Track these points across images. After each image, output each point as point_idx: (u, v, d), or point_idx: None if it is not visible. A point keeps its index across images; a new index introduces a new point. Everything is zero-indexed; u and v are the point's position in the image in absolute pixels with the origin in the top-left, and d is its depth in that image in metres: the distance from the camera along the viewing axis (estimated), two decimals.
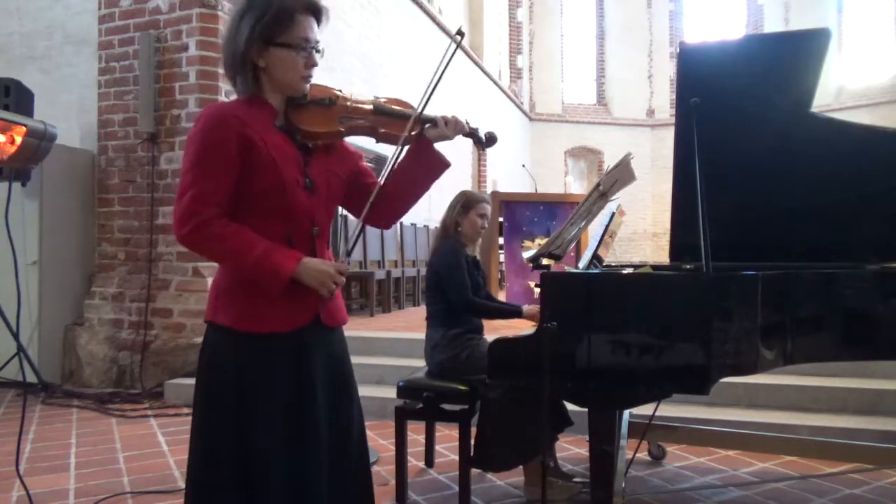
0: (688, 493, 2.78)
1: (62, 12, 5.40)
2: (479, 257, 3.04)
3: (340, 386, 1.61)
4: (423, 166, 1.65)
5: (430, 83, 1.58)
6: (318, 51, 1.51)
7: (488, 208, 2.95)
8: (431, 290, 2.86)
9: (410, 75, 8.74)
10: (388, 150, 1.63)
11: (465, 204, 2.88)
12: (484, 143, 1.74)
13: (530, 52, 15.57)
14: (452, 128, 1.63)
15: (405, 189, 1.66)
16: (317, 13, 1.51)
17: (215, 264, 1.56)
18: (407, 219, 8.16)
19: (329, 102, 1.56)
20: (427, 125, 1.63)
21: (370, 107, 1.60)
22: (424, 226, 8.70)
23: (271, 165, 1.45)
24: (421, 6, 9.35)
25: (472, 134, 1.71)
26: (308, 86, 1.54)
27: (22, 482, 2.38)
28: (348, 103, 1.59)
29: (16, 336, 2.71)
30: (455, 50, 1.56)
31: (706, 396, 1.92)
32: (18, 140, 2.12)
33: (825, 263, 2.30)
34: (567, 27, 16.13)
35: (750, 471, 3.04)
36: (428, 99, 1.60)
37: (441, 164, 1.66)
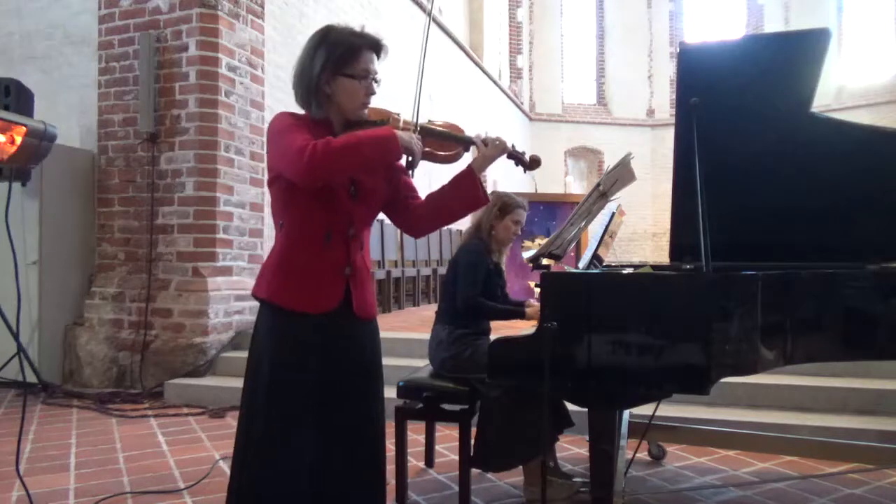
0: (688, 493, 2.78)
1: (62, 12, 5.40)
2: (503, 266, 2.99)
3: (369, 379, 1.78)
4: (463, 195, 1.78)
5: (419, 75, 1.76)
6: (376, 81, 1.74)
7: (524, 215, 2.94)
8: (448, 284, 2.85)
9: (410, 75, 8.74)
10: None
11: (501, 208, 2.86)
12: (528, 164, 1.84)
13: (530, 52, 15.57)
14: (494, 148, 1.76)
15: (439, 211, 1.83)
16: (378, 50, 1.75)
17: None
18: None
19: (381, 123, 1.73)
20: (470, 146, 1.76)
21: (418, 128, 1.74)
22: None
23: None
24: (421, 6, 9.35)
25: (514, 156, 1.81)
26: (366, 111, 1.74)
27: (22, 482, 2.37)
28: (399, 124, 1.75)
29: (16, 336, 2.71)
30: (429, 26, 1.77)
31: (706, 396, 1.92)
32: (18, 140, 2.12)
33: (825, 263, 2.29)
34: (567, 27, 16.13)
35: (750, 471, 3.04)
36: (420, 84, 1.75)
37: (477, 199, 1.78)
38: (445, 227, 9.46)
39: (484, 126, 12.07)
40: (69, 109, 5.24)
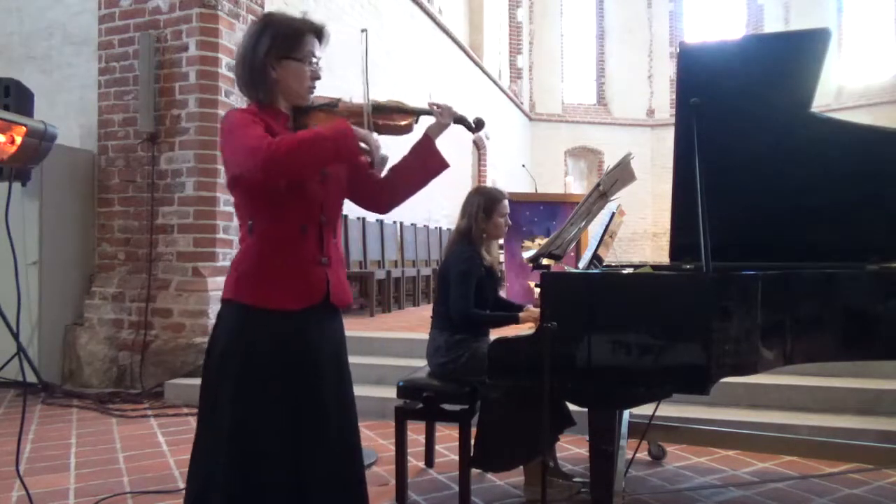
0: (688, 493, 2.78)
1: (62, 12, 5.40)
2: (493, 264, 2.89)
3: (342, 366, 1.78)
4: (425, 163, 1.81)
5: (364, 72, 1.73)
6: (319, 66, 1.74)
7: (508, 204, 2.86)
8: (441, 290, 2.80)
9: (410, 75, 8.74)
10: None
11: (486, 208, 2.78)
12: (474, 128, 1.87)
13: (530, 52, 15.57)
14: (446, 114, 1.79)
15: (403, 182, 1.84)
16: (320, 36, 1.74)
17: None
18: (407, 219, 8.17)
19: (331, 106, 1.75)
20: (422, 116, 1.79)
21: (369, 106, 1.74)
22: (424, 226, 8.70)
23: None
24: (421, 6, 9.35)
25: (461, 120, 1.85)
26: (312, 96, 1.74)
27: (22, 482, 2.37)
28: (349, 105, 1.76)
29: (16, 336, 2.71)
30: (366, 42, 1.74)
31: (706, 396, 1.92)
32: (18, 140, 2.12)
33: (825, 263, 2.29)
34: (567, 27, 16.13)
35: (750, 471, 3.04)
36: (367, 86, 1.72)
37: (439, 164, 1.82)
38: (445, 227, 9.47)
39: (484, 126, 12.07)
40: (69, 109, 5.24)
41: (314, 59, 1.71)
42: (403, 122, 1.77)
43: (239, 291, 1.67)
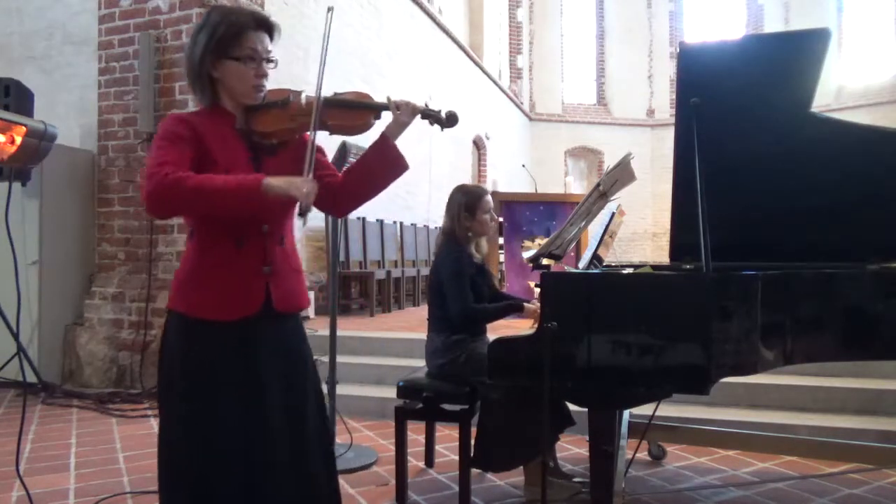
0: (688, 493, 2.78)
1: (62, 12, 5.40)
2: (485, 260, 2.90)
3: (294, 375, 1.69)
4: (381, 163, 1.71)
5: (321, 61, 1.62)
6: (270, 61, 1.63)
7: (491, 200, 2.85)
8: (434, 293, 2.78)
9: (410, 75, 8.74)
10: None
11: (468, 206, 2.77)
12: (445, 122, 1.71)
13: (530, 52, 15.57)
14: (406, 111, 1.67)
15: (361, 184, 1.73)
16: (268, 28, 1.63)
17: None
18: (407, 219, 8.17)
19: (282, 103, 1.64)
20: (381, 112, 1.67)
21: (322, 102, 1.63)
22: (424, 226, 8.69)
23: (221, 168, 1.56)
24: (421, 6, 9.34)
25: (429, 115, 1.71)
26: (262, 94, 1.63)
27: (22, 482, 2.38)
28: (302, 102, 1.65)
29: (16, 336, 2.71)
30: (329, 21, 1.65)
31: (706, 396, 1.92)
32: (18, 140, 2.12)
33: (825, 263, 2.29)
34: (567, 27, 16.12)
35: (750, 471, 3.04)
36: (321, 76, 1.61)
37: (398, 165, 1.71)
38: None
39: (483, 126, 12.08)
40: (69, 109, 5.24)
41: (259, 56, 1.60)
42: (357, 122, 1.66)
43: (176, 300, 1.64)
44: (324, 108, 1.63)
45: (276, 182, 1.47)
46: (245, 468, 1.59)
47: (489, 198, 2.84)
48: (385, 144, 1.69)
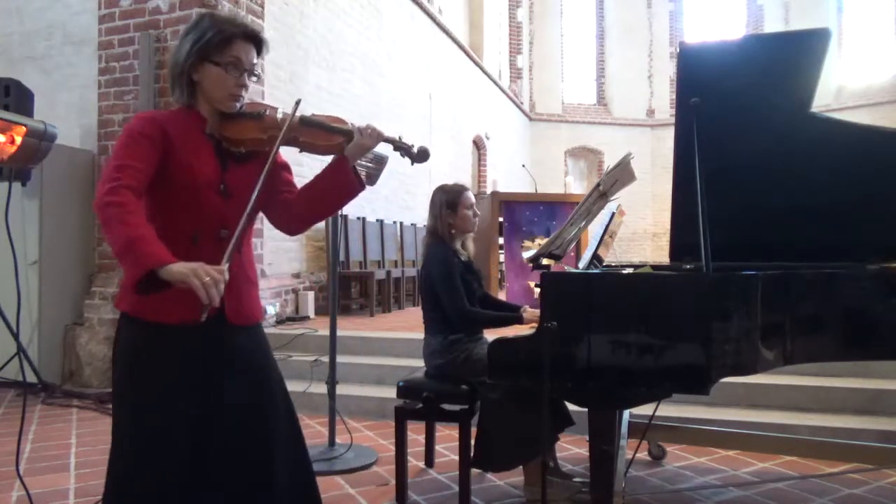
0: (688, 493, 2.78)
1: (62, 12, 5.40)
2: (471, 258, 2.93)
3: (252, 385, 1.64)
4: (335, 183, 1.70)
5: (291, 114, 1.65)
6: (254, 74, 1.65)
7: (472, 196, 2.87)
8: (427, 295, 2.80)
9: (410, 75, 8.74)
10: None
11: (449, 203, 2.81)
12: (415, 156, 1.74)
13: (530, 52, 15.58)
14: (371, 137, 1.67)
15: (314, 202, 1.72)
16: (256, 42, 1.65)
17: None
18: (407, 219, 8.17)
19: (257, 115, 1.67)
20: (351, 137, 1.68)
21: (297, 120, 1.66)
22: (424, 226, 8.69)
23: (186, 166, 1.57)
24: (421, 6, 9.34)
25: (401, 147, 1.74)
26: (238, 105, 1.65)
27: (22, 482, 2.38)
28: (277, 117, 1.68)
29: (16, 336, 2.71)
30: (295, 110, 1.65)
31: (706, 396, 1.93)
32: (18, 140, 2.12)
33: (825, 263, 2.30)
34: (567, 27, 16.13)
35: (750, 471, 3.04)
36: (293, 114, 1.65)
37: (353, 185, 1.70)
38: None
39: (483, 126, 12.09)
40: (69, 109, 5.24)
41: (242, 66, 1.61)
42: (325, 143, 1.68)
43: (122, 299, 1.61)
44: (297, 126, 1.66)
45: (176, 268, 1.37)
46: (192, 482, 1.55)
47: (470, 194, 2.88)
48: (340, 164, 1.68)
